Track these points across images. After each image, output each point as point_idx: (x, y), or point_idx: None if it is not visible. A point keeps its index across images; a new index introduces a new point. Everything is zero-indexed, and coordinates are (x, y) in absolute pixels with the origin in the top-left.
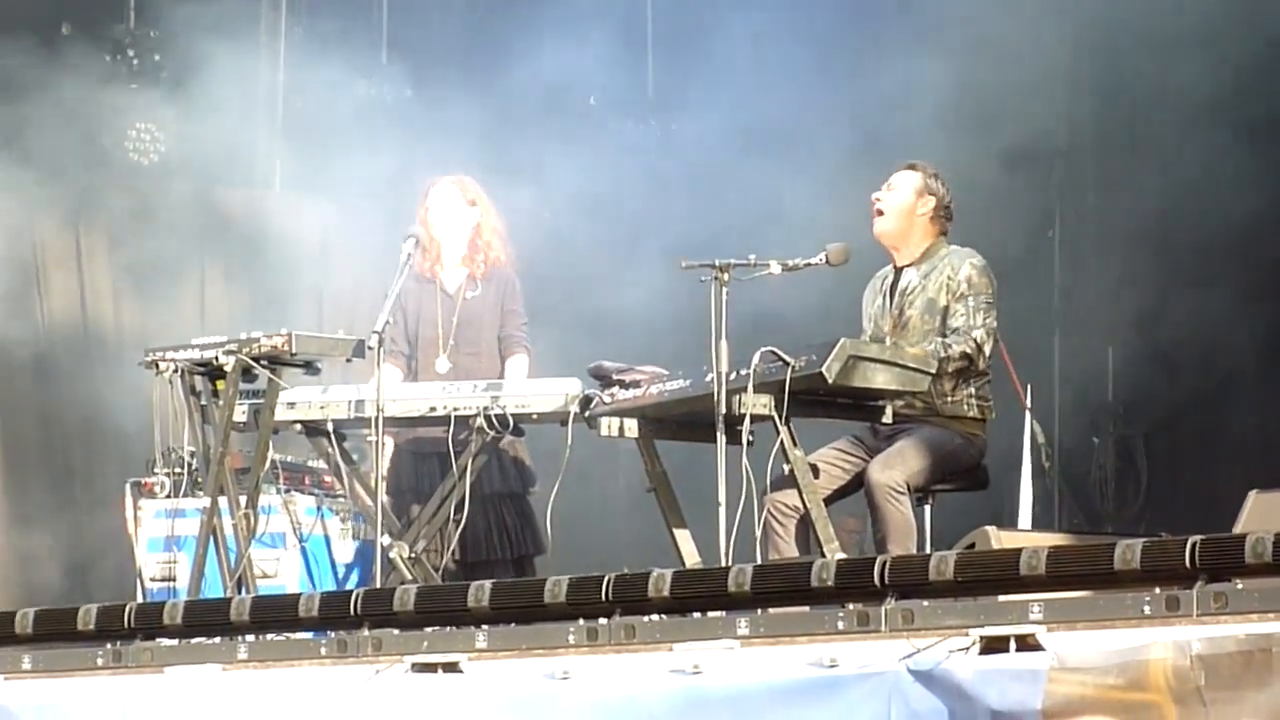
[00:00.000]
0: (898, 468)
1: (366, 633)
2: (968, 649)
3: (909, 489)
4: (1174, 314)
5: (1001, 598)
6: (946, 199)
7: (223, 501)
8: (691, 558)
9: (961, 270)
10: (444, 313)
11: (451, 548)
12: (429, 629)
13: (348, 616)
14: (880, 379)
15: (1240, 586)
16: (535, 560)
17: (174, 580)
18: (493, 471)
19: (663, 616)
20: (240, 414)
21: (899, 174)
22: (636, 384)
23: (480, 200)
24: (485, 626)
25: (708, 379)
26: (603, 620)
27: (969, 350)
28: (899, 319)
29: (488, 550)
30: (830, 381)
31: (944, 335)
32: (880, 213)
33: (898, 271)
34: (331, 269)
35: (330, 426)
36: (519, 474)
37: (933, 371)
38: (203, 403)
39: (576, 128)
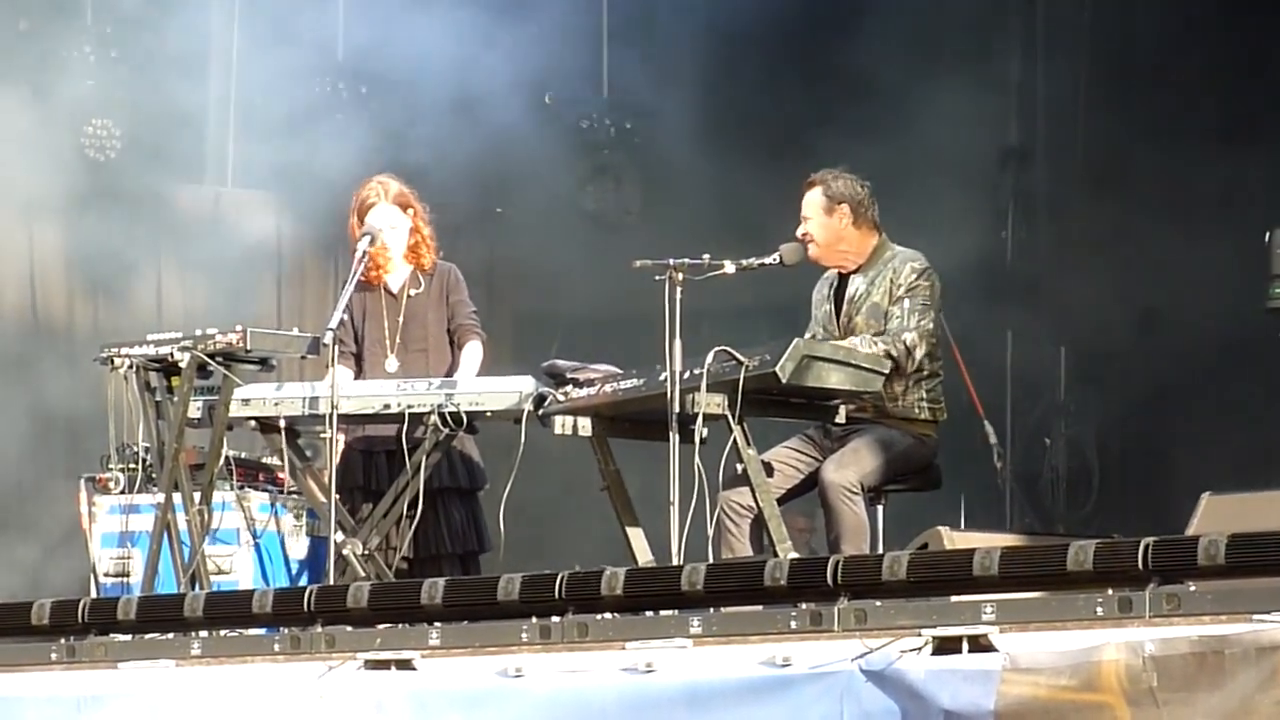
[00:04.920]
0: (851, 468)
1: (319, 629)
2: (920, 649)
3: (862, 489)
4: (1126, 315)
5: (954, 598)
6: (859, 194)
7: (177, 497)
8: (644, 556)
9: (903, 273)
10: (389, 313)
11: (404, 545)
12: (382, 626)
13: (301, 613)
14: (834, 379)
15: (1193, 588)
16: (480, 558)
17: (128, 576)
18: (442, 468)
19: (615, 615)
20: (195, 410)
21: (805, 198)
22: (590, 382)
23: (408, 200)
24: (438, 624)
25: (661, 378)
26: (555, 618)
27: (894, 352)
28: (846, 325)
29: (436, 545)
30: (784, 381)
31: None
32: (811, 242)
33: (843, 278)
34: (286, 265)
35: (284, 423)
36: (468, 471)
37: (885, 372)
38: (157, 399)
39: (531, 124)
